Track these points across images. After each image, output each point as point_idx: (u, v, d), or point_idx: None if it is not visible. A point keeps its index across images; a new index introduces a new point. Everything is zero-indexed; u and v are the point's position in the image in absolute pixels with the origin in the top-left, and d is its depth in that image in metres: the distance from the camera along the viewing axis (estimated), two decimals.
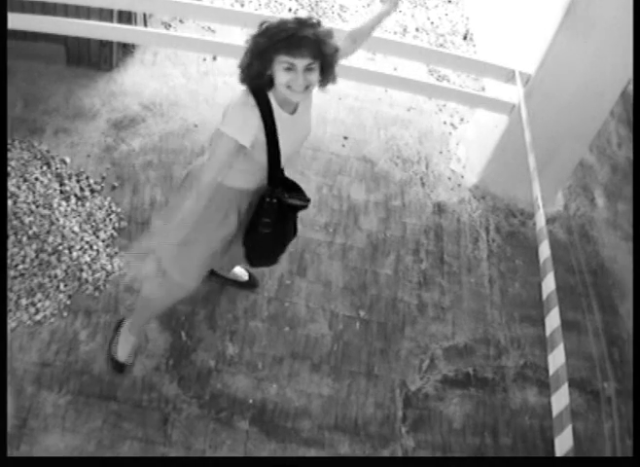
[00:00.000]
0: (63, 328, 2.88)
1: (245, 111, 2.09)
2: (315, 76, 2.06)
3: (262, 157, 2.20)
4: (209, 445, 2.68)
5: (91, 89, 3.89)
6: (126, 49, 4.12)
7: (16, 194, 3.23)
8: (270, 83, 2.09)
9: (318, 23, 2.05)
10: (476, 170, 3.99)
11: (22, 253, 3.03)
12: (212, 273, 3.01)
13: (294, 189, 2.41)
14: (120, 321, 2.83)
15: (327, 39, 2.05)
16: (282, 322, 3.11)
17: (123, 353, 2.77)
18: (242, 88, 2.15)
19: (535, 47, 3.49)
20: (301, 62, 2.00)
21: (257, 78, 2.08)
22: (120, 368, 2.77)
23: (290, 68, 2.01)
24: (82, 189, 3.37)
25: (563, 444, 1.81)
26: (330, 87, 2.20)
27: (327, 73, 2.12)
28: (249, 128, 2.10)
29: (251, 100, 2.10)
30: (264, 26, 2.04)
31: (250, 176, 2.30)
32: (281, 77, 2.03)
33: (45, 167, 3.40)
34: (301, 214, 2.52)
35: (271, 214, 2.32)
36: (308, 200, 2.41)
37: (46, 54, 3.87)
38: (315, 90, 2.17)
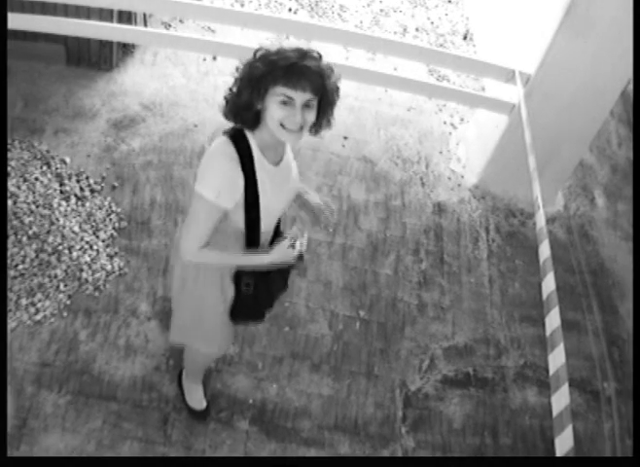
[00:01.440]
0: (63, 328, 2.88)
1: (225, 165, 1.81)
2: (312, 115, 1.80)
3: (239, 219, 1.91)
4: (209, 445, 2.68)
5: (91, 90, 3.89)
6: (126, 49, 4.12)
7: (16, 194, 3.23)
8: (255, 121, 1.84)
9: (320, 56, 1.80)
10: (476, 170, 3.99)
11: (22, 253, 3.03)
12: None
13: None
14: (179, 373, 2.79)
15: (330, 73, 1.80)
16: (282, 322, 3.11)
17: (196, 402, 2.72)
18: (220, 134, 1.89)
19: (535, 47, 3.49)
20: (300, 97, 1.74)
21: (244, 110, 1.82)
22: (200, 416, 2.72)
23: (286, 103, 1.75)
24: (82, 189, 3.37)
25: (563, 444, 1.81)
26: None
27: (325, 114, 1.85)
28: (232, 187, 1.82)
29: (231, 150, 1.82)
30: (259, 53, 1.79)
31: (234, 239, 1.99)
32: (276, 112, 1.76)
33: (45, 167, 3.40)
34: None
35: (251, 276, 2.06)
36: (300, 258, 2.07)
37: (46, 54, 3.87)
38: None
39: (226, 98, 1.87)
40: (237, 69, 1.83)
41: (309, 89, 1.75)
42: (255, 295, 2.12)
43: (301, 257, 2.06)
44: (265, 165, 1.88)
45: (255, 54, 1.79)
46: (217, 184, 1.80)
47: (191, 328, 2.35)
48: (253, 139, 1.86)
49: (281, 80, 1.73)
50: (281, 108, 1.76)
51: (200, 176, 1.83)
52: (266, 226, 1.99)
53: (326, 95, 1.81)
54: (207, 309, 2.21)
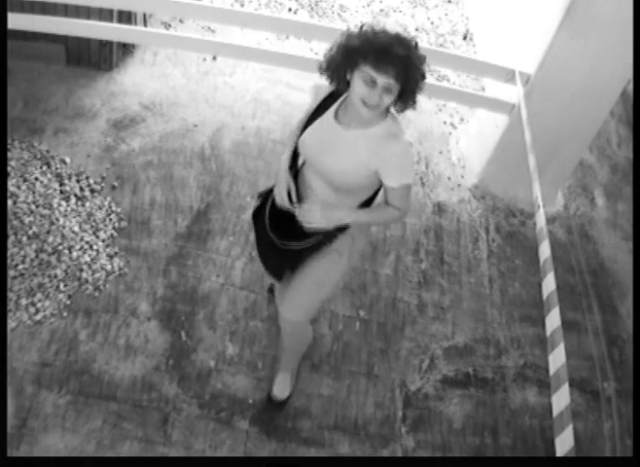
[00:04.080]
0: (63, 328, 2.88)
1: (319, 91, 2.18)
2: (390, 98, 1.96)
3: None
4: (209, 445, 2.68)
5: (91, 89, 3.89)
6: (126, 49, 4.12)
7: (16, 194, 3.23)
8: (345, 84, 2.02)
9: (416, 45, 1.95)
10: (476, 170, 3.99)
11: (22, 253, 3.03)
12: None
13: (292, 232, 2.29)
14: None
15: (418, 63, 1.94)
16: None
17: (279, 392, 2.79)
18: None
19: (535, 47, 3.49)
20: (382, 80, 1.90)
21: (334, 72, 2.01)
22: (278, 405, 2.80)
23: (369, 82, 1.91)
24: (82, 189, 3.37)
25: (564, 444, 1.81)
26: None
27: (406, 98, 2.00)
28: (313, 104, 2.19)
29: (326, 90, 2.13)
30: (363, 28, 1.95)
31: None
32: (359, 88, 1.94)
33: (45, 167, 3.40)
34: None
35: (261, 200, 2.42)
36: (283, 243, 2.32)
37: (46, 54, 3.87)
38: None
39: (324, 56, 2.03)
40: (342, 34, 1.99)
41: (392, 74, 1.89)
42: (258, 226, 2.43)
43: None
44: (328, 116, 2.13)
45: (360, 28, 1.96)
46: (316, 86, 2.21)
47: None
48: (342, 96, 2.11)
49: (370, 60, 1.89)
50: (363, 86, 1.92)
51: None
52: (307, 159, 2.23)
53: (408, 82, 1.94)
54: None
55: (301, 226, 2.21)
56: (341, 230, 2.26)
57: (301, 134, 2.19)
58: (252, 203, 3.48)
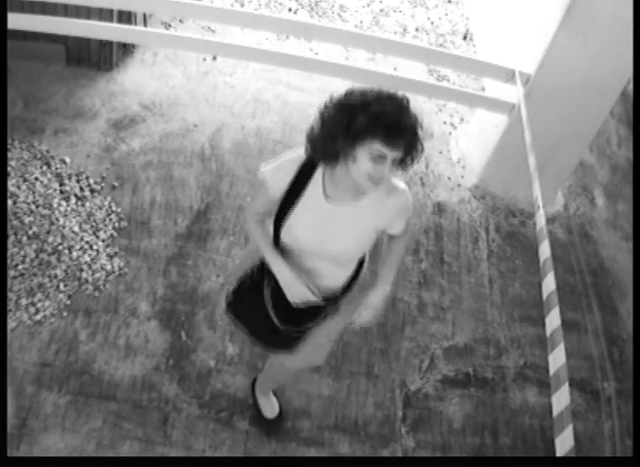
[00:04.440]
0: (63, 328, 2.88)
1: (287, 167, 1.92)
2: (396, 167, 1.81)
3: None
4: (209, 445, 2.68)
5: (91, 89, 3.89)
6: (126, 49, 4.12)
7: (16, 194, 3.23)
8: (336, 161, 1.82)
9: (408, 102, 1.78)
10: (476, 170, 3.99)
11: (22, 253, 3.03)
12: None
13: (297, 314, 2.12)
14: (253, 381, 2.79)
15: (421, 126, 1.79)
16: None
17: (269, 411, 2.75)
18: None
19: (535, 47, 3.49)
20: (394, 154, 1.74)
21: (332, 156, 1.80)
22: (273, 424, 2.74)
23: (377, 158, 1.73)
24: (82, 189, 3.37)
25: (564, 444, 1.81)
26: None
27: (410, 161, 1.83)
28: (278, 182, 1.93)
29: (296, 164, 1.91)
30: (359, 100, 1.74)
31: None
32: (365, 165, 1.74)
33: (45, 167, 3.40)
34: None
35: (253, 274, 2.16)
36: (286, 326, 2.15)
37: (46, 54, 3.87)
38: None
39: (314, 139, 1.83)
40: (326, 108, 1.79)
41: (404, 147, 1.75)
42: (253, 298, 2.18)
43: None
44: (315, 196, 1.91)
45: (351, 99, 1.76)
46: (274, 167, 1.94)
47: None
48: (322, 170, 1.90)
49: (381, 137, 1.71)
50: (371, 161, 1.74)
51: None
52: (299, 247, 2.02)
53: (415, 148, 1.80)
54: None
55: (306, 308, 2.10)
56: (346, 290, 2.20)
57: (278, 224, 1.98)
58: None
